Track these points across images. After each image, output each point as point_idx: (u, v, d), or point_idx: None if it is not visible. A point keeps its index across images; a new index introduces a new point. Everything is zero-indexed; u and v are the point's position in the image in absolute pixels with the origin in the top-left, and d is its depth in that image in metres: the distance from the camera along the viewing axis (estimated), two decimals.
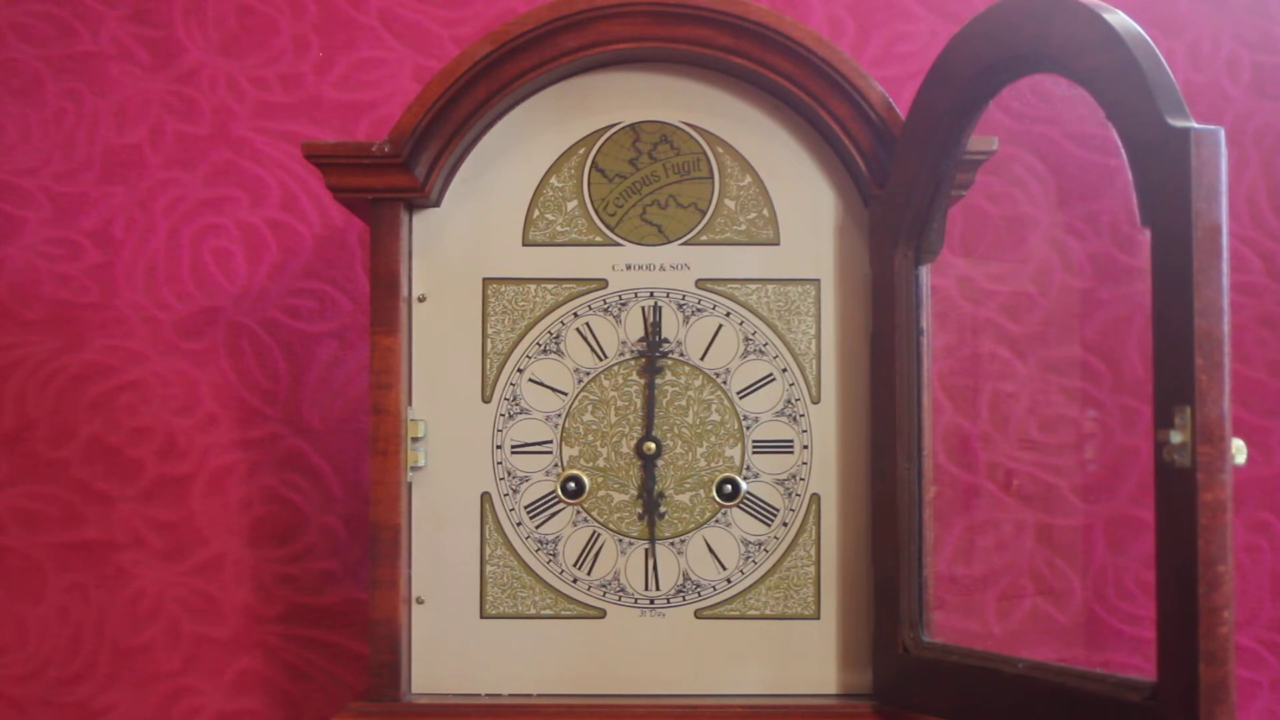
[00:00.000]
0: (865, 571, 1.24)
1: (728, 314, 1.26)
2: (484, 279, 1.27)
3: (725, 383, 1.26)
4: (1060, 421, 1.58)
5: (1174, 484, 0.88)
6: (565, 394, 1.26)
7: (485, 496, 1.26)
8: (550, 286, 1.27)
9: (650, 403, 1.26)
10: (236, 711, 1.58)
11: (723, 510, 1.25)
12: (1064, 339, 1.59)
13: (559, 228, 1.27)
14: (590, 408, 1.26)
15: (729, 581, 1.25)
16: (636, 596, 1.25)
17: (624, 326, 1.26)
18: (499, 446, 1.26)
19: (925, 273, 1.20)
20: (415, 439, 1.24)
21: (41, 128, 1.62)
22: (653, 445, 1.25)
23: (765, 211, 1.27)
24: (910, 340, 1.19)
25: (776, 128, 1.27)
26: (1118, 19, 0.95)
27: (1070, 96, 1.12)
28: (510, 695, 1.24)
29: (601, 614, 1.25)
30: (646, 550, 1.25)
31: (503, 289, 1.27)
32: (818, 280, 1.26)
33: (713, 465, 1.25)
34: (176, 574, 1.58)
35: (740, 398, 1.26)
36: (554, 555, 1.25)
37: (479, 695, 1.24)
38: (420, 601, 1.25)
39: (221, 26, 1.62)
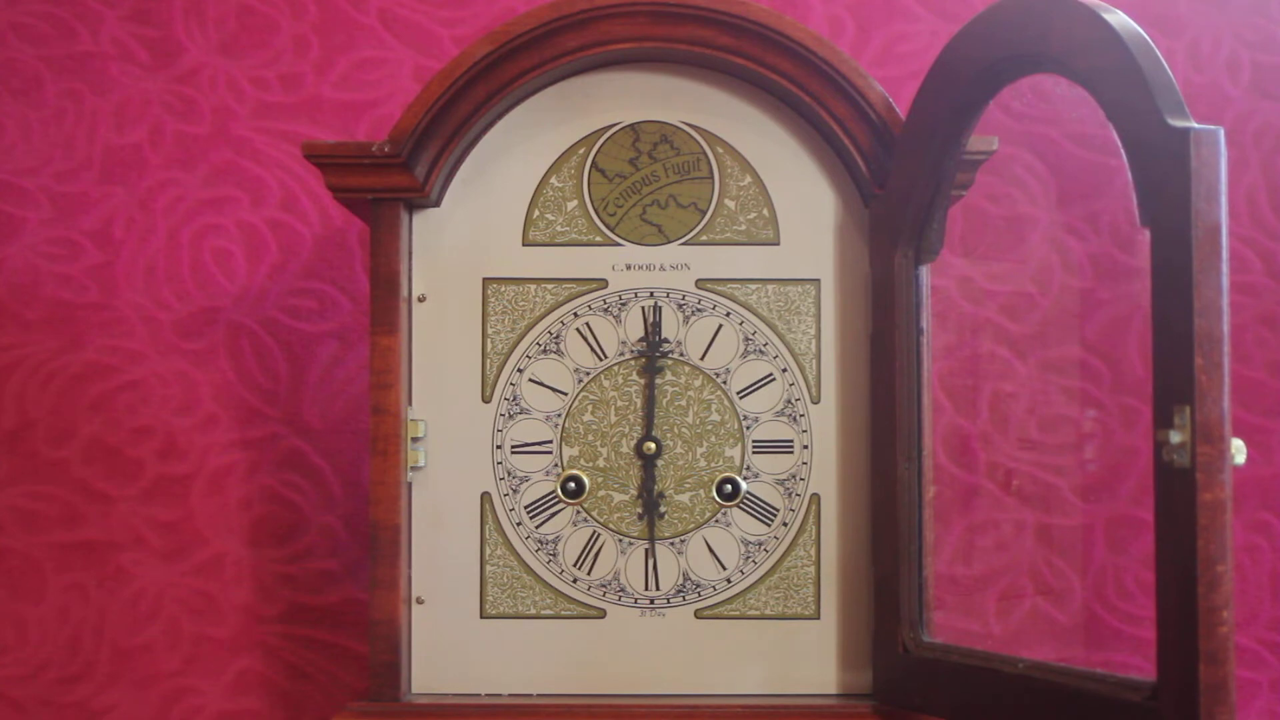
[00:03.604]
0: (865, 571, 1.24)
1: (728, 314, 1.26)
2: (484, 279, 1.27)
3: (725, 383, 1.26)
4: (1060, 421, 1.58)
5: (1174, 484, 0.88)
6: (565, 394, 1.26)
7: (485, 496, 1.26)
8: (550, 286, 1.27)
9: (650, 403, 1.26)
10: (236, 711, 1.58)
11: (723, 510, 1.25)
12: (1064, 339, 1.59)
13: (559, 228, 1.27)
14: (590, 408, 1.26)
15: (729, 581, 1.25)
16: (636, 596, 1.25)
17: (624, 326, 1.26)
18: (499, 446, 1.26)
19: (925, 273, 1.20)
20: (415, 439, 1.24)
21: (41, 128, 1.62)
22: (653, 445, 1.25)
23: (765, 211, 1.27)
24: (910, 340, 1.19)
25: (776, 128, 1.27)
26: (1118, 19, 0.95)
27: (1070, 96, 1.12)
28: (510, 695, 1.24)
29: (601, 614, 1.25)
30: (646, 550, 1.25)
31: (503, 289, 1.27)
32: (818, 280, 1.26)
33: (713, 465, 1.26)
34: (176, 574, 1.58)
35: (740, 398, 1.26)
36: (554, 555, 1.25)
37: (479, 695, 1.24)
38: (420, 601, 1.25)
39: (221, 26, 1.62)
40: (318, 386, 1.59)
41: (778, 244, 1.27)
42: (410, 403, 1.25)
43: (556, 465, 1.26)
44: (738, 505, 1.25)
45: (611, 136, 1.27)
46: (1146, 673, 0.93)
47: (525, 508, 1.26)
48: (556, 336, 1.26)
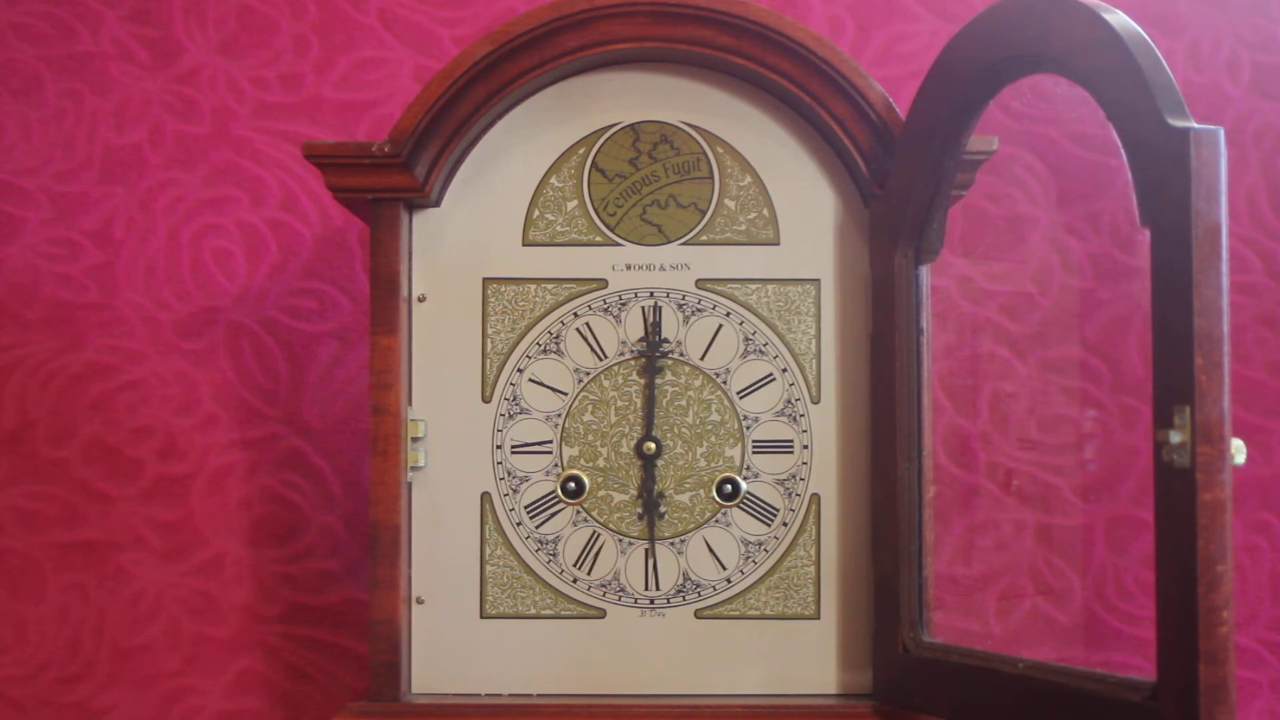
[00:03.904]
0: (865, 571, 1.24)
1: (728, 314, 1.26)
2: (484, 279, 1.27)
3: (725, 383, 1.26)
4: (1060, 421, 1.58)
5: (1174, 484, 0.88)
6: (565, 394, 1.26)
7: (485, 496, 1.26)
8: (550, 286, 1.27)
9: (650, 403, 1.26)
10: (236, 711, 1.58)
11: (723, 510, 1.25)
12: (1064, 339, 1.59)
13: (559, 228, 1.27)
14: (590, 408, 1.26)
15: (729, 581, 1.25)
16: (636, 596, 1.25)
17: (624, 326, 1.26)
18: (499, 446, 1.26)
19: (925, 273, 1.20)
20: (415, 439, 1.24)
21: (41, 128, 1.62)
22: (653, 445, 1.25)
23: (765, 211, 1.27)
24: (910, 340, 1.19)
25: (776, 128, 1.27)
26: (1118, 19, 0.95)
27: (1070, 96, 1.12)
28: (510, 695, 1.24)
29: (601, 614, 1.25)
30: (646, 550, 1.25)
31: (503, 289, 1.27)
32: (818, 280, 1.26)
33: (713, 465, 1.25)
34: (176, 574, 1.58)
35: (740, 398, 1.26)
36: (554, 555, 1.25)
37: (479, 695, 1.24)
38: (420, 601, 1.25)
39: (221, 26, 1.62)
40: (318, 386, 1.60)
41: (778, 244, 1.27)
42: (410, 403, 1.25)
43: (556, 465, 1.26)
44: (738, 505, 1.25)
45: (611, 136, 1.27)
46: (1146, 673, 0.93)
47: (525, 508, 1.26)
48: (556, 336, 1.26)
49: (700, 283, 1.26)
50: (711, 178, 1.27)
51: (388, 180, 1.22)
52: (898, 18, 1.63)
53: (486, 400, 1.26)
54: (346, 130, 1.62)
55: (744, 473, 1.25)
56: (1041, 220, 1.60)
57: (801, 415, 1.26)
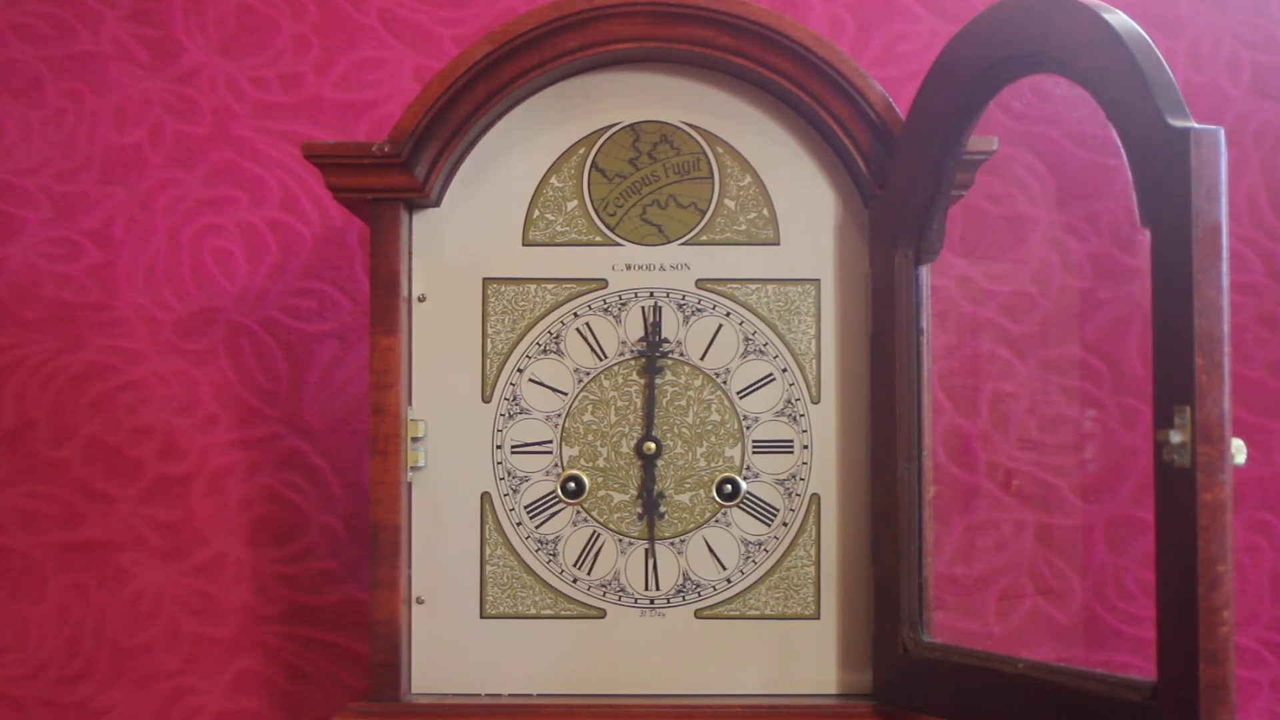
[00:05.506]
0: (865, 571, 1.24)
1: (728, 314, 1.26)
2: (484, 279, 1.27)
3: (725, 383, 1.26)
4: (1060, 421, 1.58)
5: (1174, 484, 0.88)
6: (565, 394, 1.26)
7: (485, 496, 1.26)
8: (550, 286, 1.27)
9: (650, 403, 1.26)
10: (236, 711, 1.58)
11: (723, 510, 1.25)
12: (1064, 339, 1.59)
13: (559, 228, 1.27)
14: (590, 408, 1.26)
15: (729, 581, 1.25)
16: (636, 596, 1.25)
17: (624, 326, 1.26)
18: (499, 446, 1.26)
19: (925, 273, 1.20)
20: (415, 439, 1.24)
21: (41, 128, 1.62)
22: (653, 445, 1.25)
23: (765, 211, 1.27)
24: (910, 340, 1.19)
25: (776, 128, 1.27)
26: (1118, 19, 0.95)
27: (1070, 96, 1.12)
28: (510, 695, 1.24)
29: (601, 614, 1.25)
30: (646, 550, 1.25)
31: (503, 289, 1.27)
32: (818, 280, 1.26)
33: (713, 465, 1.25)
34: (176, 574, 1.58)
35: (740, 398, 1.26)
36: (554, 555, 1.25)
37: (479, 695, 1.24)
38: (420, 601, 1.25)
39: (221, 26, 1.62)
40: (318, 386, 1.60)
41: (778, 244, 1.27)
42: (410, 403, 1.25)
43: (556, 465, 1.26)
44: (738, 505, 1.25)
45: (611, 136, 1.27)
46: (1146, 673, 0.93)
47: (525, 508, 1.26)
48: (556, 336, 1.26)
49: (700, 283, 1.26)
50: (711, 178, 1.27)
51: (388, 180, 1.22)
52: (898, 18, 1.63)
53: (486, 400, 1.26)
54: (346, 130, 1.62)
55: (744, 473, 1.25)
56: (1041, 220, 1.60)
57: (801, 415, 1.26)
